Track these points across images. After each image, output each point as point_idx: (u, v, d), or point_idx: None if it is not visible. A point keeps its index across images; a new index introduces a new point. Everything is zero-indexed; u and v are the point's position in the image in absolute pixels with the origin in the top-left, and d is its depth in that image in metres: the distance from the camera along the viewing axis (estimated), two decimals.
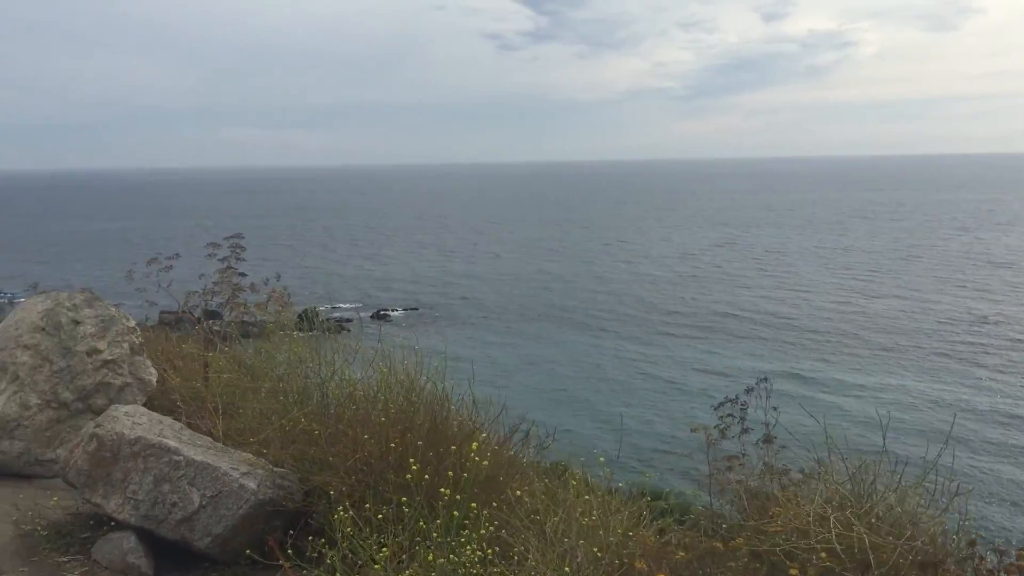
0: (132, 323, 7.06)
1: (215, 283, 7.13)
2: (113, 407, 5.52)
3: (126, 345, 6.88)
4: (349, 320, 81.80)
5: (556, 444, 6.63)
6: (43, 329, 6.59)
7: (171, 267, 7.48)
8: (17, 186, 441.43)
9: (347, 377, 5.89)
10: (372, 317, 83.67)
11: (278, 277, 7.79)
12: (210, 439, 5.71)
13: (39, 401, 6.43)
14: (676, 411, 49.17)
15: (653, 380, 55.58)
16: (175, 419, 6.54)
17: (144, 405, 7.15)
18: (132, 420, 5.36)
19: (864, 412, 41.82)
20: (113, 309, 7.07)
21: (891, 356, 56.51)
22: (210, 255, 7.42)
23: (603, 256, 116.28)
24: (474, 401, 6.30)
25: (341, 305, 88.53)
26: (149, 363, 7.10)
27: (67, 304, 6.76)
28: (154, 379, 7.05)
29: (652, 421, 46.80)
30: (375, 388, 5.95)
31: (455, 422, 5.86)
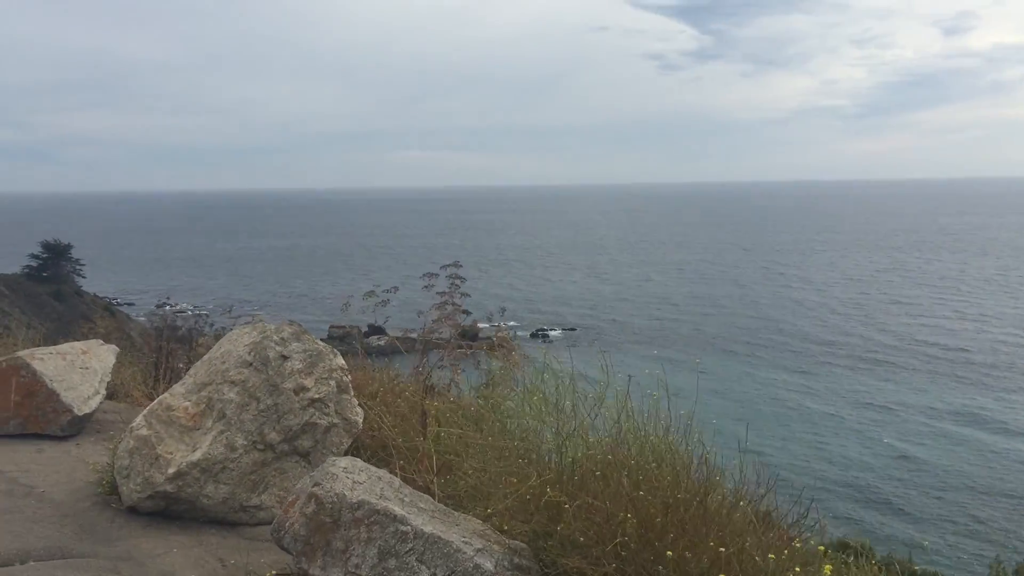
0: (339, 360, 6.46)
1: (435, 321, 6.43)
2: (330, 461, 4.86)
3: (333, 383, 6.28)
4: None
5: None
6: (250, 364, 6.08)
7: (387, 302, 6.89)
8: (201, 205, 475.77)
9: (584, 432, 4.99)
10: (532, 336, 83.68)
11: (503, 311, 7.01)
12: (431, 499, 4.96)
13: (245, 442, 5.91)
14: (845, 449, 45.98)
15: (808, 413, 52.51)
16: (389, 470, 5.85)
17: (349, 449, 6.55)
18: (352, 478, 4.67)
19: None
20: (321, 344, 6.49)
21: None
22: (427, 287, 6.77)
23: (762, 280, 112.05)
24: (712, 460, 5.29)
25: (501, 324, 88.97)
26: (356, 402, 6.48)
27: (275, 337, 6.23)
28: (360, 419, 6.42)
29: (827, 457, 43.88)
30: (616, 444, 5.04)
31: (719, 494, 4.86)
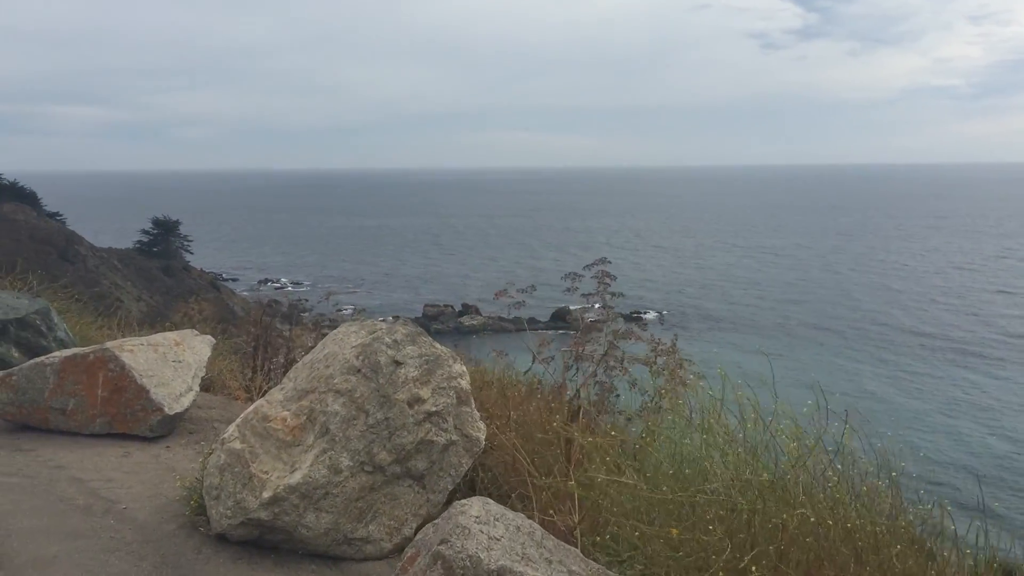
0: (459, 366, 5.43)
1: (585, 330, 5.37)
2: (458, 506, 3.85)
3: (452, 393, 5.27)
4: (603, 320, 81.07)
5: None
6: (359, 370, 5.12)
7: (523, 303, 5.89)
8: (304, 184, 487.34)
9: (788, 482, 3.83)
10: (625, 318, 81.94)
11: (665, 322, 5.86)
12: (579, 556, 3.90)
13: (351, 463, 4.97)
14: (937, 446, 43.29)
15: (897, 407, 49.66)
16: (521, 509, 4.80)
17: (469, 471, 5.55)
18: (487, 533, 3.64)
19: None
20: (439, 347, 5.47)
21: None
22: (569, 289, 5.74)
23: (859, 267, 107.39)
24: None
25: (595, 305, 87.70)
26: (477, 415, 5.46)
27: (387, 339, 5.24)
28: (483, 436, 5.41)
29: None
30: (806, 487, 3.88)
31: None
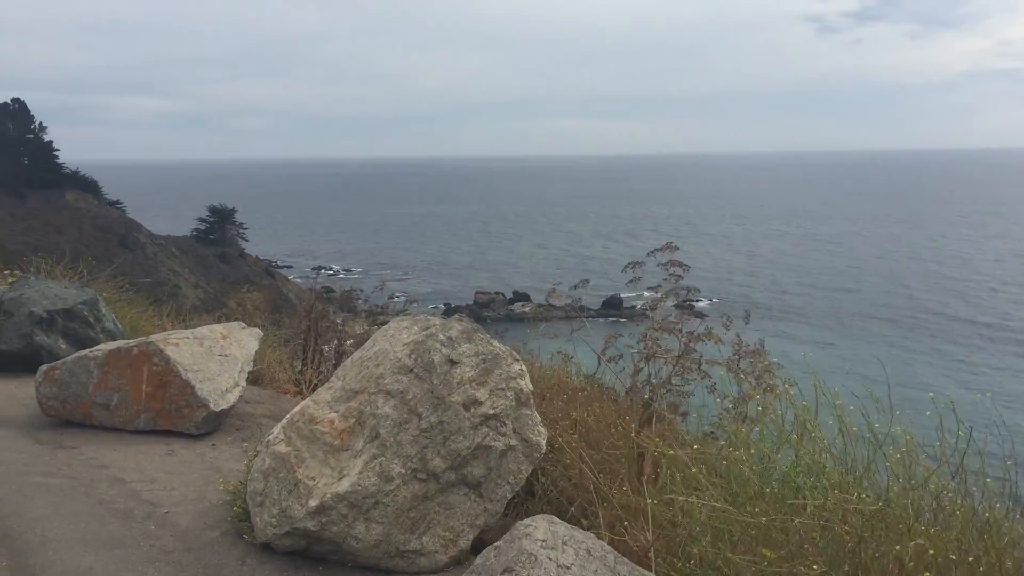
0: (519, 365, 5.01)
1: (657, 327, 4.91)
2: (522, 527, 3.44)
3: (511, 394, 4.87)
4: (652, 308, 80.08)
5: None
6: (411, 370, 4.73)
7: (579, 300, 5.47)
8: (356, 172, 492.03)
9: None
10: (677, 307, 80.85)
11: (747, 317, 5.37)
12: None
13: (403, 470, 4.59)
14: (994, 441, 41.65)
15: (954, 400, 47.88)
16: (586, 524, 4.38)
17: (528, 479, 5.14)
18: (556, 560, 3.23)
19: None
20: (496, 345, 5.05)
21: None
22: (631, 282, 5.31)
23: (915, 255, 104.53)
24: None
25: (645, 293, 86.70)
26: (538, 419, 5.04)
27: (441, 336, 4.85)
28: (544, 441, 4.99)
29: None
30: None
31: None
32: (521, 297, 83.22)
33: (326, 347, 8.90)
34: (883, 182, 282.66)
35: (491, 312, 79.20)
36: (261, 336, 7.24)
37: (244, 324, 7.29)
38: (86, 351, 6.69)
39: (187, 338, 6.72)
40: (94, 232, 68.58)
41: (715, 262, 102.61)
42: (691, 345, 4.79)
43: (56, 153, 76.02)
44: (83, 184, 75.75)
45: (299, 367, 8.80)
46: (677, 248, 5.26)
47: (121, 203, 79.18)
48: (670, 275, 5.21)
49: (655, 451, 3.99)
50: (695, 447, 3.89)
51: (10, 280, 8.92)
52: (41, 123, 77.13)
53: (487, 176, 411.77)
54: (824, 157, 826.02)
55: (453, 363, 4.80)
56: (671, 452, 3.78)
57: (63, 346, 8.09)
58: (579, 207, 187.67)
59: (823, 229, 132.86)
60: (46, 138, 76.80)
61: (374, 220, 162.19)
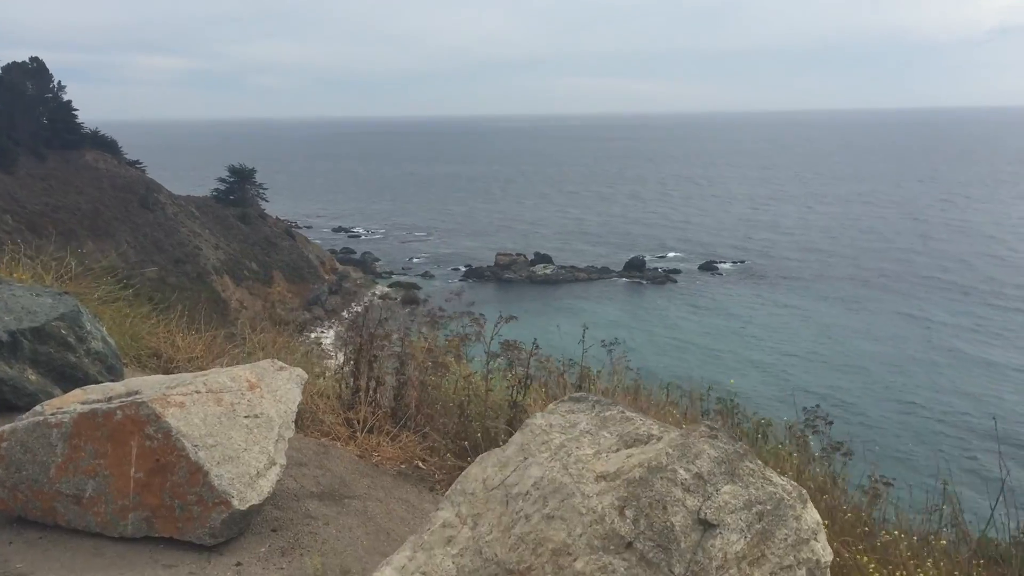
0: (810, 512, 2.66)
1: None
2: None
3: (803, 571, 2.54)
4: (677, 271, 77.50)
5: None
6: (628, 544, 2.36)
7: None
8: (375, 131, 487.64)
9: None
10: (700, 268, 78.32)
11: None
12: None
13: None
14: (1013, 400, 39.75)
15: (971, 361, 45.97)
16: None
17: None
18: None
19: None
20: (776, 479, 2.68)
21: None
22: None
23: (939, 214, 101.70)
24: None
25: (669, 255, 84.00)
26: None
27: (682, 472, 2.48)
28: None
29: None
30: None
31: None
32: (543, 258, 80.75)
33: (385, 375, 6.62)
34: (912, 141, 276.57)
35: (513, 274, 76.90)
36: (305, 378, 4.91)
37: (280, 362, 4.94)
38: (43, 413, 4.39)
39: (198, 391, 4.39)
40: (114, 192, 66.50)
41: (739, 223, 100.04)
42: None
43: (75, 113, 73.71)
44: (102, 144, 73.54)
45: (347, 395, 6.52)
46: None
47: (140, 163, 76.97)
48: None
49: None
50: None
51: None
52: (60, 82, 74.76)
53: (506, 135, 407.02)
54: (848, 116, 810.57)
55: (708, 526, 2.45)
56: None
57: (32, 378, 5.81)
58: (602, 167, 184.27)
59: (851, 188, 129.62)
60: (65, 97, 74.50)
61: (393, 180, 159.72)
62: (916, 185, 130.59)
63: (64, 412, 4.30)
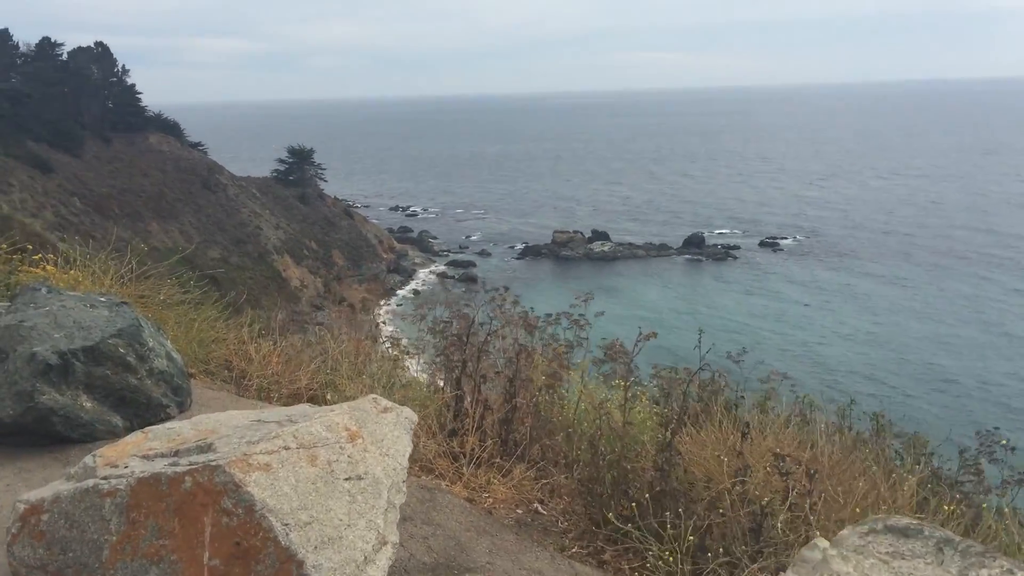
0: None
1: None
2: None
3: None
4: (736, 247, 75.40)
5: None
6: None
7: None
8: (431, 110, 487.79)
9: None
10: (760, 245, 76.18)
11: None
12: None
13: None
14: None
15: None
16: None
17: None
18: None
19: None
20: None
21: None
22: None
23: (998, 188, 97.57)
24: None
25: (724, 231, 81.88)
26: None
27: None
28: None
29: None
30: None
31: None
32: (600, 236, 79.31)
33: (488, 392, 5.58)
34: (971, 111, 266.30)
35: (570, 251, 75.68)
36: (415, 422, 3.86)
37: (383, 400, 3.89)
38: (95, 469, 3.43)
39: (287, 447, 3.37)
40: (177, 174, 66.92)
41: (791, 199, 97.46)
42: None
43: (139, 96, 74.37)
44: (165, 127, 74.11)
45: (450, 420, 5.49)
46: None
47: (202, 145, 77.43)
48: None
49: None
50: None
51: (10, 293, 5.74)
52: (124, 66, 75.47)
53: (558, 113, 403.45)
54: (911, 86, 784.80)
55: None
56: None
57: (87, 405, 4.91)
58: (654, 143, 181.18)
59: (906, 162, 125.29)
60: (129, 81, 75.22)
61: (448, 159, 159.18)
62: (978, 158, 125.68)
63: (119, 475, 3.32)
